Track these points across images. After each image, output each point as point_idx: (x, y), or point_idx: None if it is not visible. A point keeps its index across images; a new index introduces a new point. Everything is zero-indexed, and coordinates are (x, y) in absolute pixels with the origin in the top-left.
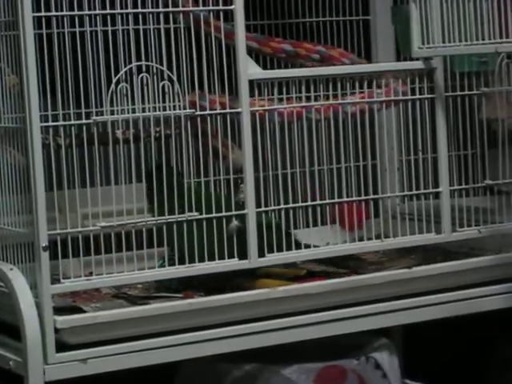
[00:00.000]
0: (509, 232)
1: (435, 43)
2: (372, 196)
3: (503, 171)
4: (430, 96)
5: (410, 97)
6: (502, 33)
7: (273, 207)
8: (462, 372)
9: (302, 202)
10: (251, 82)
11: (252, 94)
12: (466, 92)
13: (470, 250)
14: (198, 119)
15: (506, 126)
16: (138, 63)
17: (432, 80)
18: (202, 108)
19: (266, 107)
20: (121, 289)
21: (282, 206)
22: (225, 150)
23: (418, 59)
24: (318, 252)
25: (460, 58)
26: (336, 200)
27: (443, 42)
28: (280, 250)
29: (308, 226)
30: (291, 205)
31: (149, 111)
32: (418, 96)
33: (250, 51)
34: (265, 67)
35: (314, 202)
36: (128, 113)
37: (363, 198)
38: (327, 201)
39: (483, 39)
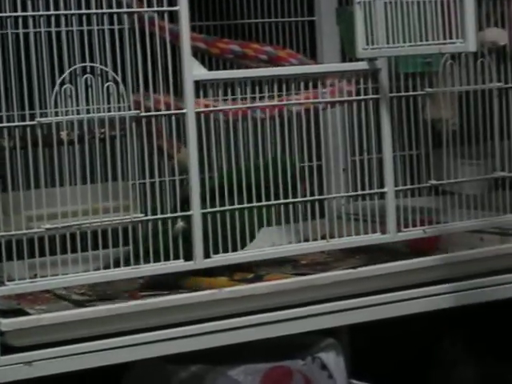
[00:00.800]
0: (453, 232)
1: (380, 44)
2: (317, 196)
3: (447, 171)
4: (374, 96)
5: (354, 97)
6: (445, 34)
7: (219, 208)
8: (408, 372)
9: (248, 202)
10: (196, 83)
11: (198, 95)
12: (411, 93)
13: None
14: (143, 120)
15: (449, 126)
16: (83, 64)
17: (377, 81)
18: (147, 108)
19: (211, 108)
20: (68, 291)
21: (228, 207)
22: (171, 151)
23: (362, 60)
24: (263, 253)
25: (404, 59)
26: (281, 201)
27: (387, 42)
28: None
29: None
30: (236, 206)
31: (93, 112)
32: (362, 96)
33: (198, 52)
34: (214, 69)
35: (260, 203)
36: (72, 114)
37: (309, 198)
38: (272, 201)
39: (427, 40)
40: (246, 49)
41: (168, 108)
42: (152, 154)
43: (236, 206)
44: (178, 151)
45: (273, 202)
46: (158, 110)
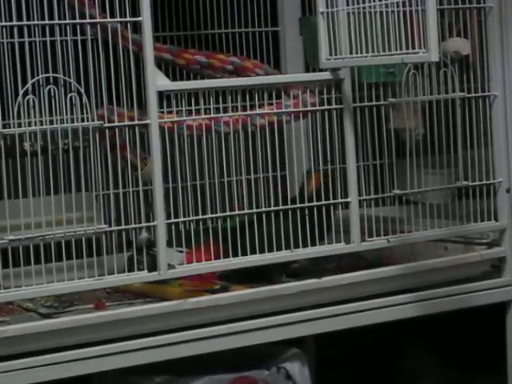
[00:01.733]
0: (417, 241)
1: (343, 54)
2: (282, 207)
3: (411, 181)
4: (338, 107)
5: (318, 107)
6: (408, 44)
7: (183, 218)
8: (372, 381)
9: (213, 213)
10: (160, 94)
11: (161, 106)
12: (374, 102)
13: (380, 259)
14: (107, 131)
15: (413, 135)
16: (46, 75)
17: (340, 91)
18: (110, 121)
19: (175, 119)
20: (34, 302)
21: (193, 217)
22: (136, 162)
23: (326, 70)
24: (228, 263)
25: (367, 69)
26: (247, 211)
27: (351, 52)
28: None
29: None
30: (201, 216)
31: (57, 123)
32: (326, 107)
33: (164, 63)
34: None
35: (225, 214)
36: (36, 125)
37: (273, 208)
38: (237, 211)
39: (390, 50)
40: (211, 59)
41: (131, 121)
42: (116, 165)
43: (200, 217)
44: (145, 163)
45: (237, 212)
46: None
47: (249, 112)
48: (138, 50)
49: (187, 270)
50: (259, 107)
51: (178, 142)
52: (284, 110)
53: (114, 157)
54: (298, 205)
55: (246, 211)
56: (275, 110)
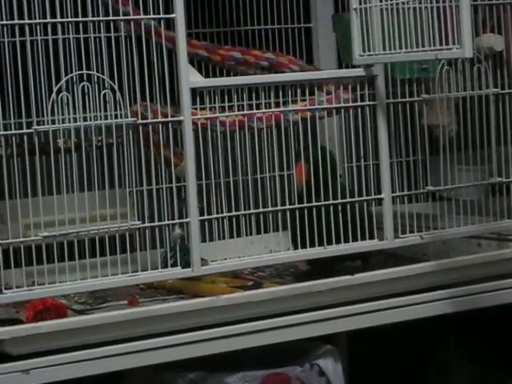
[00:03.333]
0: (450, 238)
1: (376, 50)
2: (315, 203)
3: (445, 177)
4: (371, 103)
5: (351, 104)
6: (441, 40)
7: (216, 215)
8: (405, 379)
9: (245, 209)
10: (193, 91)
11: (194, 103)
12: (408, 99)
13: (414, 256)
14: (140, 128)
15: (447, 132)
16: (79, 72)
17: (373, 87)
18: (144, 118)
19: (208, 115)
20: (68, 299)
21: (226, 214)
22: (170, 158)
23: (359, 66)
24: (261, 260)
25: (401, 65)
26: (279, 208)
27: (384, 49)
28: None
29: (251, 234)
30: (234, 213)
31: (90, 120)
32: (359, 103)
33: (199, 60)
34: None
35: (257, 210)
36: (69, 122)
37: (306, 205)
38: (270, 208)
39: (424, 46)
40: (246, 55)
41: (165, 117)
42: (149, 162)
43: (233, 213)
44: (180, 160)
45: (270, 209)
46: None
47: (282, 108)
48: (173, 46)
49: (220, 267)
50: (292, 103)
51: (211, 138)
52: (317, 106)
53: (147, 153)
54: (332, 201)
55: (278, 208)
56: (309, 107)
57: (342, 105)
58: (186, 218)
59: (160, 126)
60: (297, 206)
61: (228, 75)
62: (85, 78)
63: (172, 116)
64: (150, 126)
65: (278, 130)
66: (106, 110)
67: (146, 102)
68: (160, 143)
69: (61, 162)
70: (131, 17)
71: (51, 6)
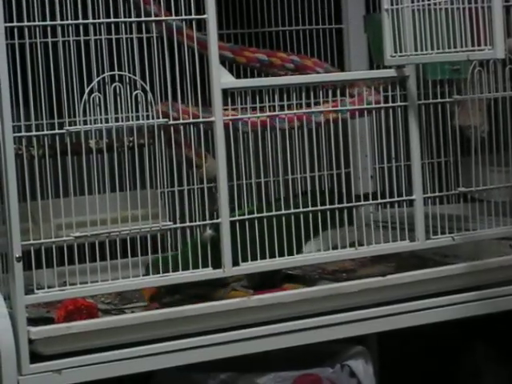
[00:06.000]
0: (482, 239)
1: (407, 51)
2: (346, 204)
3: (476, 178)
4: (403, 104)
5: (383, 105)
6: (473, 41)
7: (247, 216)
8: (434, 381)
9: (276, 210)
10: (224, 91)
11: (225, 104)
12: (439, 100)
13: (444, 258)
14: (171, 128)
15: (478, 133)
16: (111, 73)
17: (405, 88)
18: (174, 118)
19: (239, 116)
20: (94, 299)
21: (256, 214)
22: (198, 160)
23: (390, 67)
24: (292, 261)
25: (432, 66)
26: (310, 209)
27: (415, 50)
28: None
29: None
30: (265, 213)
31: (122, 121)
32: (391, 104)
33: (225, 61)
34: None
35: (288, 211)
36: (101, 122)
37: (337, 206)
38: (301, 209)
39: (455, 47)
40: (272, 57)
41: (188, 117)
42: (180, 162)
43: (264, 214)
44: (205, 160)
45: (301, 209)
46: (177, 119)
47: (311, 109)
48: (201, 47)
49: (251, 268)
50: (323, 104)
51: (242, 139)
52: (347, 107)
53: (177, 154)
54: (363, 202)
55: (309, 209)
56: (340, 107)
57: (373, 106)
58: (217, 218)
59: (191, 126)
60: (335, 206)
61: (259, 76)
62: (116, 78)
63: (195, 115)
64: (181, 127)
65: (309, 131)
66: (137, 111)
67: (175, 101)
68: (186, 144)
69: (92, 162)
70: (162, 18)
71: (83, 7)
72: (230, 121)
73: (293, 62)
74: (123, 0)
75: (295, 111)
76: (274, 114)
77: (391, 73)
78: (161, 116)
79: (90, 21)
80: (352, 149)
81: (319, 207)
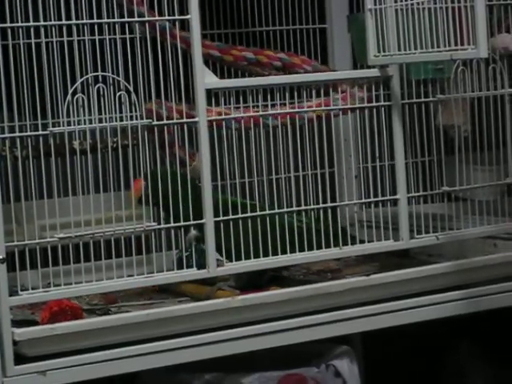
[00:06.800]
0: (466, 238)
1: (391, 51)
2: (330, 204)
3: (460, 177)
4: (386, 103)
5: (366, 104)
6: (456, 40)
7: (232, 216)
8: (419, 379)
9: (260, 210)
10: (208, 91)
11: (209, 103)
12: (423, 99)
13: (428, 257)
14: (155, 129)
15: (462, 132)
16: (95, 74)
17: (388, 87)
18: (159, 115)
19: (223, 117)
20: (79, 300)
21: (240, 215)
22: (185, 158)
23: (374, 67)
24: (277, 261)
25: (416, 66)
26: (294, 208)
27: (399, 49)
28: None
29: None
30: (249, 214)
31: (106, 122)
32: (374, 103)
33: (212, 60)
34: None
35: (272, 211)
36: (85, 123)
37: (321, 205)
38: (285, 209)
39: (438, 47)
40: (259, 55)
41: (180, 115)
42: (165, 163)
43: (249, 214)
44: (193, 159)
45: (285, 209)
46: (170, 118)
47: (297, 109)
48: (187, 46)
49: (236, 268)
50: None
51: (226, 138)
52: (332, 106)
53: (162, 154)
54: (347, 202)
55: (293, 209)
56: (323, 107)
57: (357, 105)
58: (202, 219)
59: (175, 126)
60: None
61: (242, 76)
62: (100, 79)
63: (188, 114)
64: (165, 127)
65: (293, 130)
66: (121, 112)
67: (166, 100)
68: (174, 144)
69: (76, 163)
70: (146, 18)
71: (66, 7)
72: (214, 120)
73: (280, 60)
74: (106, 0)
75: (286, 111)
76: (263, 114)
77: (375, 72)
78: (144, 116)
79: (73, 22)
80: (336, 148)
81: (303, 207)
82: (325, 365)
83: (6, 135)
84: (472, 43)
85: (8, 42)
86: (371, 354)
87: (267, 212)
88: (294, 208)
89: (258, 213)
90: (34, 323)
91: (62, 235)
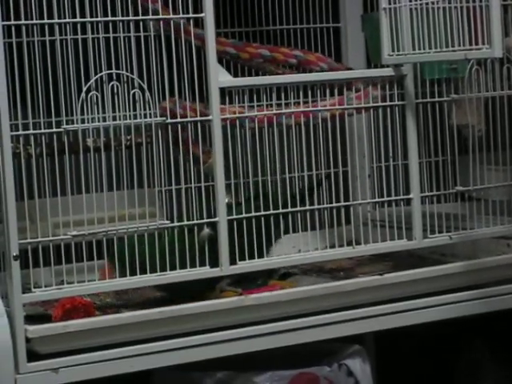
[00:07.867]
0: (479, 238)
1: (405, 50)
2: (343, 203)
3: (474, 177)
4: (400, 103)
5: (380, 103)
6: (471, 40)
7: (244, 215)
8: (432, 379)
9: (274, 209)
10: (222, 90)
11: (223, 102)
12: (437, 99)
13: (441, 257)
14: (169, 127)
15: (476, 132)
16: (109, 71)
17: (402, 87)
18: (173, 114)
19: (237, 114)
20: (93, 297)
21: (253, 213)
22: (198, 156)
23: (388, 66)
24: (289, 260)
25: (430, 65)
26: (307, 207)
27: (413, 49)
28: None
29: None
30: (262, 212)
31: (120, 119)
32: (388, 103)
33: (228, 57)
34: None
35: (286, 210)
36: (99, 121)
37: (335, 204)
38: (298, 208)
39: (453, 46)
40: (275, 53)
41: (195, 114)
42: (178, 161)
43: (262, 213)
44: (208, 156)
45: (299, 208)
46: (184, 116)
47: (312, 108)
48: (202, 44)
49: (248, 266)
50: (321, 101)
51: (240, 137)
52: (346, 105)
53: (176, 152)
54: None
55: (307, 207)
56: (338, 106)
57: (371, 104)
58: (215, 217)
59: (189, 124)
60: (333, 205)
61: (256, 75)
62: (114, 77)
63: (202, 112)
64: (179, 125)
65: (307, 128)
66: (135, 110)
67: (174, 97)
68: (188, 141)
69: (90, 161)
70: (160, 16)
71: (81, 5)
72: (228, 119)
73: (296, 58)
74: None
75: (301, 109)
76: (279, 112)
77: (389, 72)
78: (159, 114)
79: (88, 19)
80: (350, 148)
81: (316, 206)
82: (337, 364)
83: (20, 132)
84: (486, 43)
85: (23, 40)
86: (384, 353)
87: (280, 211)
88: (307, 207)
89: (272, 211)
90: (48, 318)
91: (75, 233)
